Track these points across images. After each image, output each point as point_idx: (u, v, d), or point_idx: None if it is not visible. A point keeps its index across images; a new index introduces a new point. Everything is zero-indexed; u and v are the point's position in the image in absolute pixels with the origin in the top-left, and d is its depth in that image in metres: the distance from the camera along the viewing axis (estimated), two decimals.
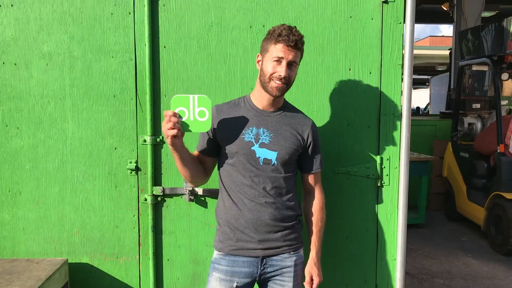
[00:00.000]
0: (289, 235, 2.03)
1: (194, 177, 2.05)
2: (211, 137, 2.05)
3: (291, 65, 1.93)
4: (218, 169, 2.11)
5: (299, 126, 2.05)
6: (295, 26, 1.95)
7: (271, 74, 1.92)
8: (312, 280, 2.08)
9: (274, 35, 1.91)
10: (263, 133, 1.99)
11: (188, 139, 2.31)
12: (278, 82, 1.92)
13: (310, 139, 2.05)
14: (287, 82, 1.94)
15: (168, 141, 1.87)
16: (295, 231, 2.06)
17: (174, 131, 1.83)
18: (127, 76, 2.38)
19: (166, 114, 1.85)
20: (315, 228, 2.10)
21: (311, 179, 2.12)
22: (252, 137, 1.98)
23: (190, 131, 1.89)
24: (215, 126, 2.04)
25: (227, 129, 2.01)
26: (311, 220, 2.11)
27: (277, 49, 1.90)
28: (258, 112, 2.03)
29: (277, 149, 1.98)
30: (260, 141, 1.98)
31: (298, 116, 2.08)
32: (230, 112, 2.05)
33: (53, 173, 2.42)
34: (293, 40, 1.88)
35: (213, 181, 2.23)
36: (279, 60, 1.91)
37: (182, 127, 1.87)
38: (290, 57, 1.90)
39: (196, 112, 1.87)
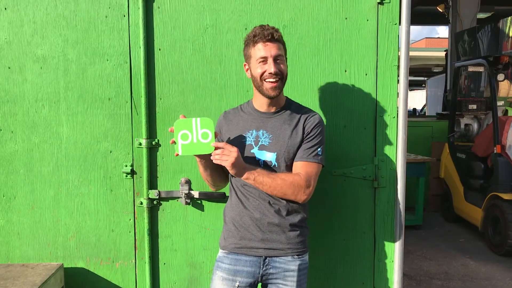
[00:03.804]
0: (294, 238, 1.99)
1: (215, 181, 2.09)
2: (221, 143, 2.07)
3: (277, 59, 1.91)
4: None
5: (300, 121, 1.99)
6: (267, 24, 1.96)
7: (261, 76, 1.91)
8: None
9: (250, 39, 1.93)
10: (263, 135, 1.98)
11: None
12: (271, 80, 1.91)
13: (306, 129, 1.97)
14: (281, 77, 1.92)
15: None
16: (301, 235, 2.01)
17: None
18: (122, 79, 2.37)
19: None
20: (270, 175, 1.90)
21: (297, 166, 1.94)
22: (252, 140, 1.99)
23: (194, 153, 1.92)
24: (222, 132, 2.07)
25: (231, 134, 2.03)
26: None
27: (258, 50, 1.90)
28: (258, 114, 2.02)
29: (276, 150, 1.96)
30: (259, 144, 1.97)
31: (301, 113, 2.02)
32: (234, 117, 2.07)
33: (48, 177, 2.41)
34: (268, 33, 1.88)
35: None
36: (264, 60, 1.90)
37: (185, 150, 1.88)
38: (273, 51, 1.89)
39: (199, 134, 1.88)
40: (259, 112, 2.03)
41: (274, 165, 1.97)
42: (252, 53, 1.94)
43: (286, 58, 1.99)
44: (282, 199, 1.95)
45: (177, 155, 1.90)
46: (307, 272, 2.04)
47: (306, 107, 2.08)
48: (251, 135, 1.99)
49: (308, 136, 1.97)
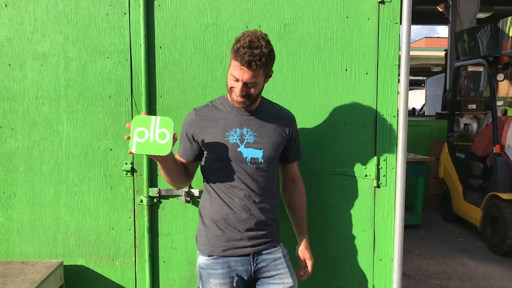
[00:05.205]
0: (275, 231, 2.11)
1: (176, 182, 2.05)
2: (192, 143, 2.02)
3: (248, 84, 1.85)
4: (203, 172, 2.08)
5: (282, 120, 2.06)
6: (264, 36, 1.84)
7: (230, 88, 1.90)
8: (306, 263, 2.18)
9: (234, 48, 1.82)
10: (247, 133, 1.98)
11: None
12: (238, 97, 1.88)
13: (293, 130, 2.09)
14: (248, 98, 1.89)
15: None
16: (278, 227, 2.13)
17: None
18: (123, 77, 2.37)
19: None
20: (303, 213, 2.20)
21: (295, 167, 2.19)
22: (237, 138, 1.97)
23: (148, 153, 1.82)
24: (196, 131, 2.00)
25: (210, 134, 1.98)
26: (298, 206, 2.19)
27: (234, 66, 1.83)
28: (239, 112, 1.99)
29: (263, 147, 1.98)
30: (245, 141, 1.97)
31: (278, 110, 2.10)
32: (210, 115, 2.01)
33: (48, 175, 2.40)
34: (247, 61, 1.77)
35: None
36: (236, 79, 1.85)
37: (140, 148, 1.79)
38: (245, 78, 1.82)
39: (157, 134, 1.79)
40: (238, 110, 1.99)
41: (261, 162, 1.98)
42: (231, 61, 1.86)
43: (267, 75, 1.92)
44: (269, 197, 2.05)
45: (131, 152, 1.81)
46: (289, 257, 2.15)
47: (276, 104, 2.15)
48: (235, 133, 1.97)
49: (295, 138, 2.11)
